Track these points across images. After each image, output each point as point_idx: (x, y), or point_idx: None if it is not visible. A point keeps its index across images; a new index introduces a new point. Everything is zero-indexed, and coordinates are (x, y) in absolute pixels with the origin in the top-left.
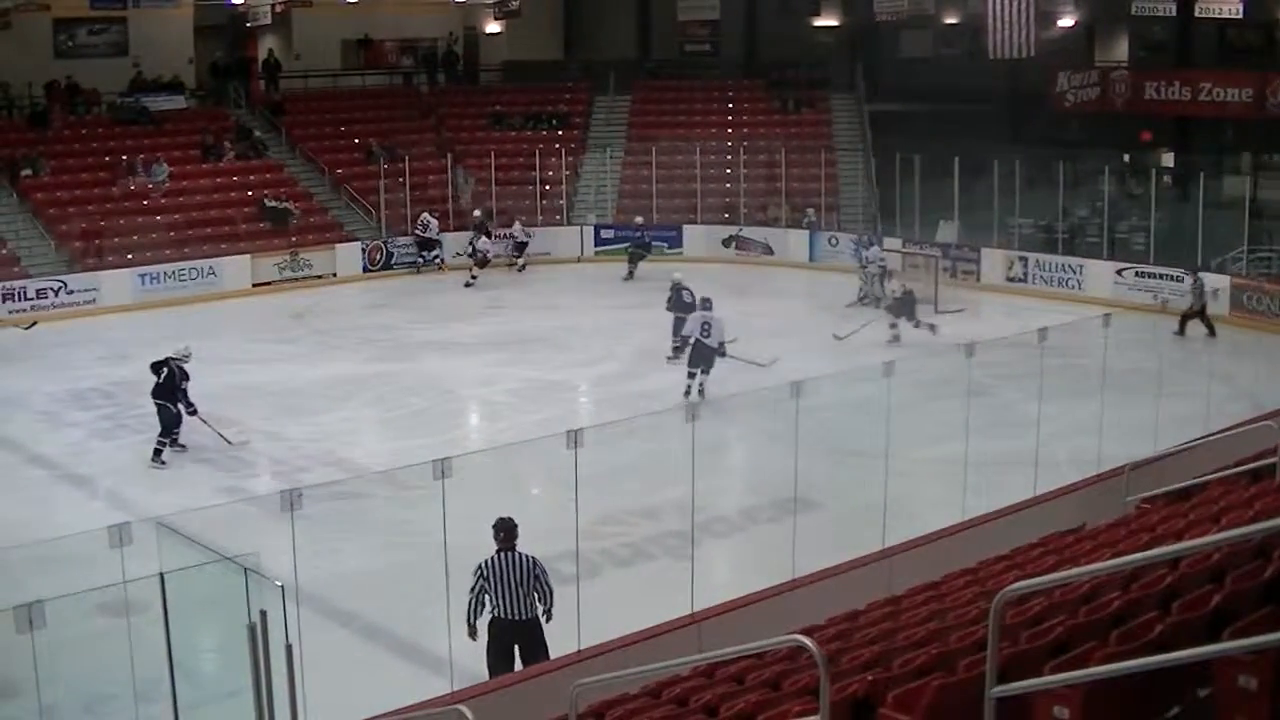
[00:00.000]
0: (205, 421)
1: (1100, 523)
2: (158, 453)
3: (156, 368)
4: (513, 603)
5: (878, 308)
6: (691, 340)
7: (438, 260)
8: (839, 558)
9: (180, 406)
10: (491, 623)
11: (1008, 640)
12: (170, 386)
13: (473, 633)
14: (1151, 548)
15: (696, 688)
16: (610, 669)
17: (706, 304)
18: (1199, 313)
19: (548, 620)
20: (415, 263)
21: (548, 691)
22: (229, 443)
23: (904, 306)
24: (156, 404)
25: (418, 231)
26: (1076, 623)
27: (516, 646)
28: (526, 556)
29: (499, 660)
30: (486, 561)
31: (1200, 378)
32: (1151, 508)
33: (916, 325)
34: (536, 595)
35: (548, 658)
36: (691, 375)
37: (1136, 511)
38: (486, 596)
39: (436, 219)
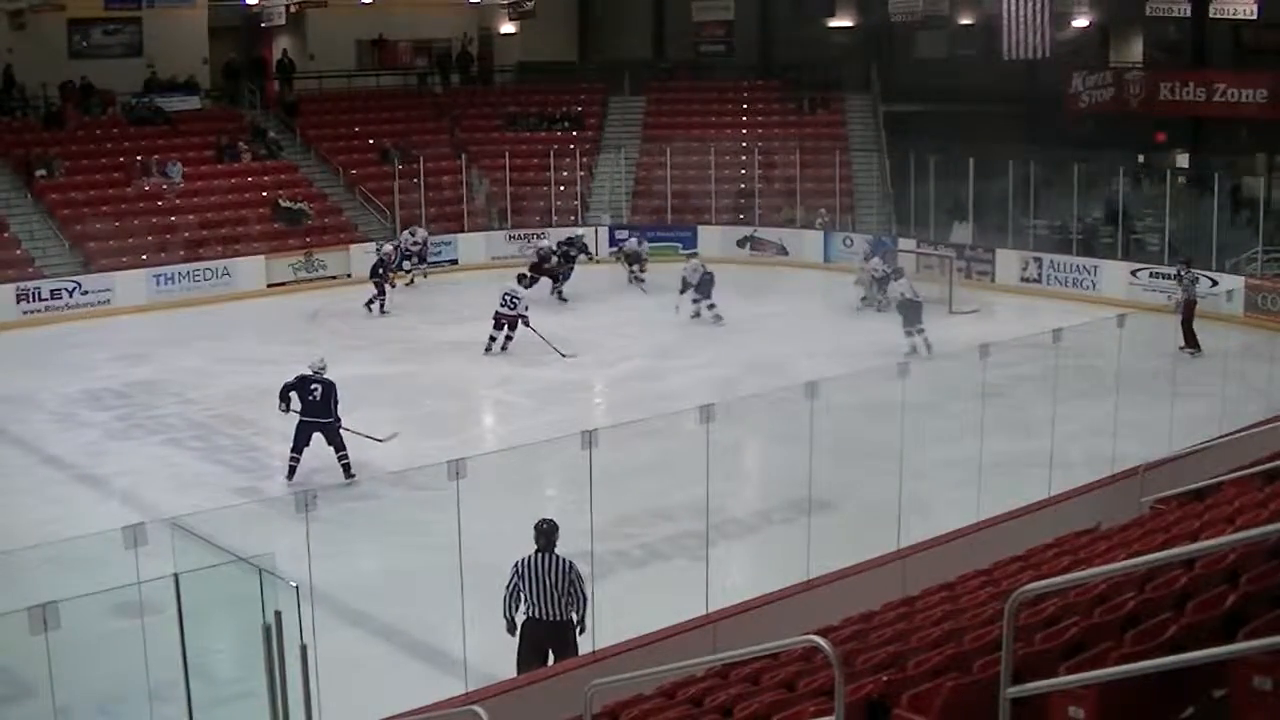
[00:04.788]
0: (351, 429)
1: (1115, 523)
2: (347, 468)
3: (298, 389)
4: (547, 603)
5: (879, 311)
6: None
7: (415, 271)
8: (854, 558)
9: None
10: (525, 622)
11: (1022, 641)
12: (326, 402)
13: (511, 628)
14: (1166, 548)
15: (711, 688)
16: (625, 669)
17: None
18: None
19: (581, 631)
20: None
21: (563, 692)
22: (380, 440)
23: (911, 312)
24: (318, 424)
25: (406, 242)
26: (1091, 623)
27: (550, 648)
28: (564, 560)
29: (530, 660)
30: (523, 560)
31: (1215, 378)
32: (1166, 508)
33: (909, 334)
34: (570, 599)
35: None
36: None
37: (1151, 512)
38: (521, 595)
39: (417, 230)
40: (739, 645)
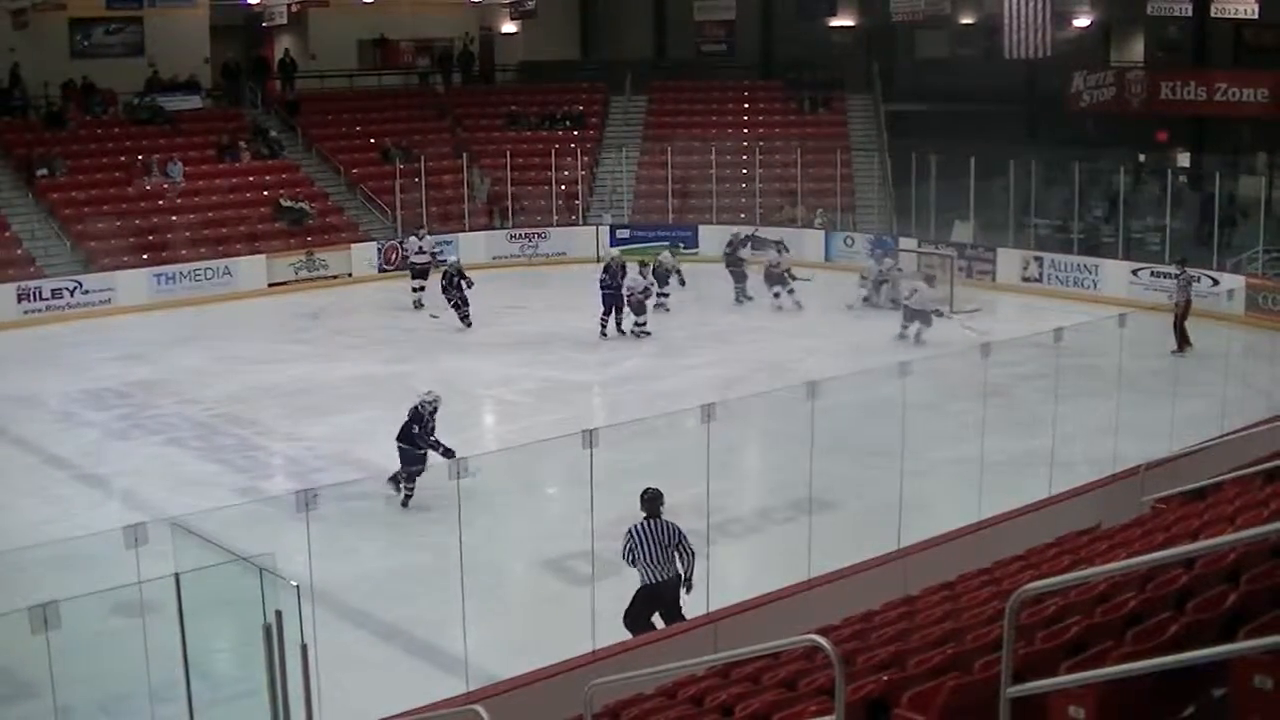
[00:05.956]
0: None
1: (1116, 523)
2: (397, 483)
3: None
4: (659, 565)
5: (894, 308)
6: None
7: (418, 302)
8: (854, 558)
9: (424, 450)
10: (641, 588)
11: (1023, 640)
12: (408, 429)
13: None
14: (1167, 548)
15: (712, 688)
16: (626, 669)
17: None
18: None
19: (688, 590)
20: (416, 301)
21: (563, 691)
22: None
23: (920, 318)
24: (398, 447)
25: (410, 253)
26: (1092, 622)
27: (660, 611)
28: (670, 524)
29: (640, 623)
30: (636, 527)
31: (1216, 377)
32: (1167, 507)
33: (904, 328)
34: (678, 556)
35: (683, 618)
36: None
37: (1152, 511)
38: (637, 559)
39: (425, 235)
40: (740, 644)
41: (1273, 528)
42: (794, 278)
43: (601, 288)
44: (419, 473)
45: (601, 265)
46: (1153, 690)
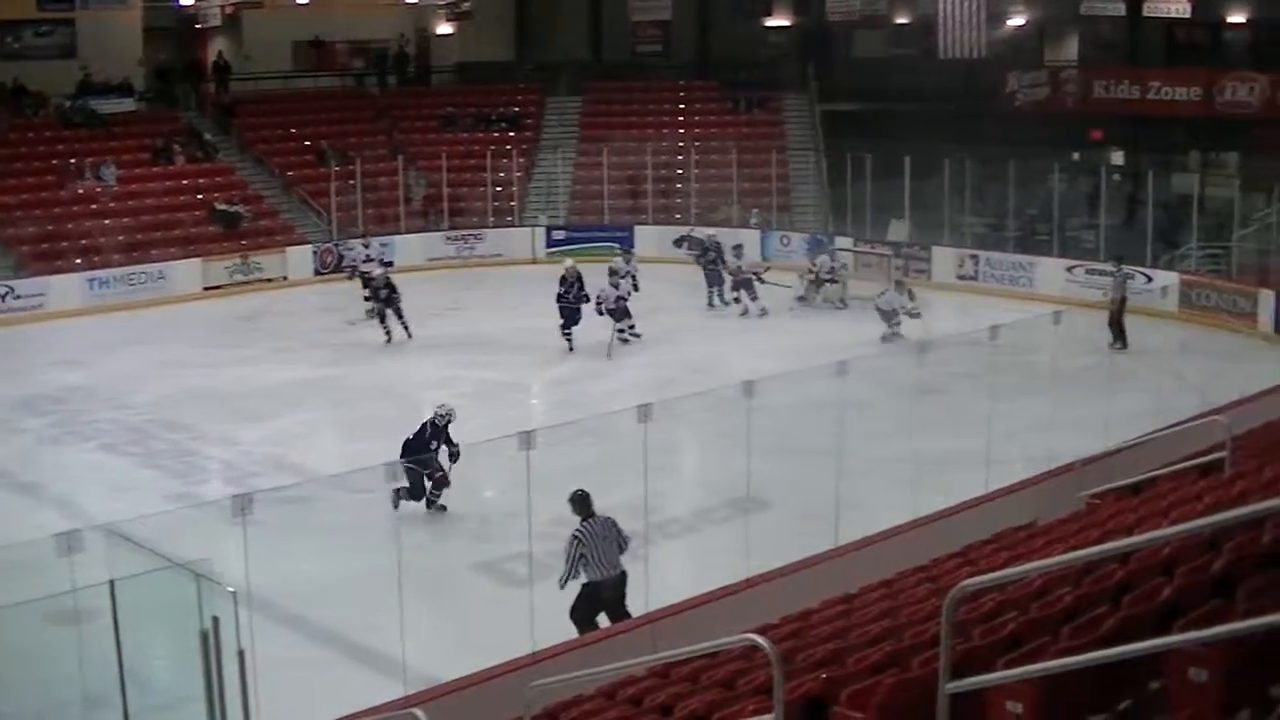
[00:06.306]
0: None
1: (1052, 519)
2: (430, 501)
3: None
4: (610, 561)
5: (840, 308)
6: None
7: (370, 310)
8: (792, 557)
9: (438, 463)
10: (592, 586)
11: (961, 636)
12: (421, 443)
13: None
14: (1102, 543)
15: (651, 688)
16: (565, 670)
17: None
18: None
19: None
20: (370, 310)
21: (502, 693)
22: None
23: (890, 318)
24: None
25: (353, 263)
26: (1029, 618)
27: (607, 609)
28: (608, 519)
29: (588, 621)
30: (580, 530)
31: (1150, 374)
32: (1102, 503)
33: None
34: (620, 549)
35: (629, 616)
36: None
37: (1087, 507)
38: (587, 561)
39: (371, 242)
40: (679, 644)
41: (1206, 521)
42: (763, 281)
43: (557, 300)
44: (439, 480)
45: (558, 278)
46: (1090, 684)
